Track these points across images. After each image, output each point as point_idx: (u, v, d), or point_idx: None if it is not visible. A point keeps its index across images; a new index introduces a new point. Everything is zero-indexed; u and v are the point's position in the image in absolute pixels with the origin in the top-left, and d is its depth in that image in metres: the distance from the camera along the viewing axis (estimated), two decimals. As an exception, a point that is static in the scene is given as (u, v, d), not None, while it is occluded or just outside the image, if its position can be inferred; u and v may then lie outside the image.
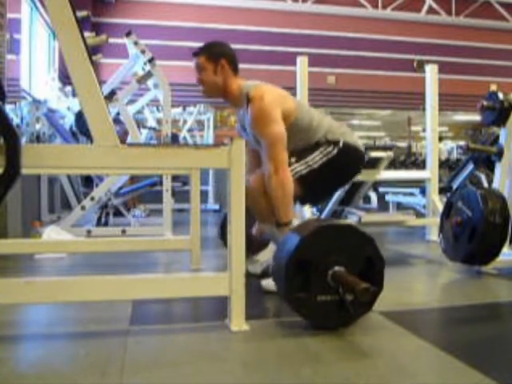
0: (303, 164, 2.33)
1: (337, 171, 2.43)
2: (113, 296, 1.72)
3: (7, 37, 4.15)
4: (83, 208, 4.03)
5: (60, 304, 2.01)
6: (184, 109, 8.05)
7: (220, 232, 3.31)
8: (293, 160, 2.32)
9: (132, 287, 1.71)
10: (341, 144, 2.38)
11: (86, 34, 4.80)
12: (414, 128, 13.39)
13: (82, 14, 7.86)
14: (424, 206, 4.37)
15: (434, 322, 2.01)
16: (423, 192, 4.37)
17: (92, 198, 4.09)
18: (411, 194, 5.18)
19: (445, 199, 3.43)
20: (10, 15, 4.36)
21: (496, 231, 2.50)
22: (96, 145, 1.65)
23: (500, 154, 3.09)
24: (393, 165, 8.33)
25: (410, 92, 10.05)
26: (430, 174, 4.13)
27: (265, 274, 2.52)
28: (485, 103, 3.11)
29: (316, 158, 2.34)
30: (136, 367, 1.41)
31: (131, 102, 5.28)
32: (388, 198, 5.65)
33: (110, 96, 4.15)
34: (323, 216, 4.36)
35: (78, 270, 2.96)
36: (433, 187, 4.10)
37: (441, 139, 10.31)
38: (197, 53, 2.36)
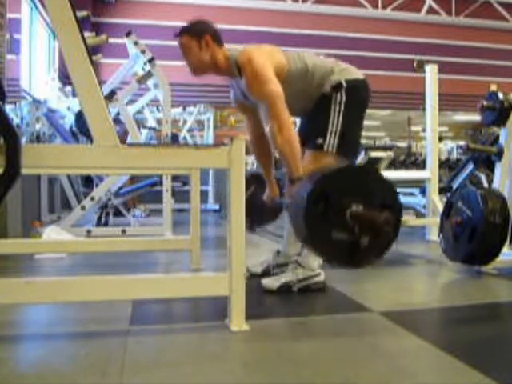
0: (330, 135, 2.31)
1: (355, 110, 2.40)
2: (113, 296, 1.72)
3: (7, 37, 4.15)
4: (83, 208, 4.03)
5: (60, 304, 2.01)
6: (184, 109, 8.05)
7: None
8: (320, 141, 2.31)
9: (132, 287, 1.71)
10: (344, 84, 2.34)
11: (86, 34, 4.81)
12: (413, 128, 13.39)
13: (81, 13, 7.86)
14: (424, 206, 4.37)
15: (434, 322, 2.01)
16: (423, 192, 4.37)
17: (92, 198, 4.09)
18: (411, 194, 5.18)
19: (445, 199, 3.43)
20: (10, 15, 4.36)
21: (496, 231, 2.50)
22: (96, 145, 1.65)
23: (500, 154, 3.09)
24: (393, 165, 8.33)
25: (410, 92, 10.05)
26: (430, 174, 4.13)
27: (265, 274, 2.53)
28: (485, 103, 3.11)
29: (335, 121, 2.31)
30: (136, 367, 1.41)
31: (131, 101, 5.28)
32: (388, 197, 5.64)
33: (110, 96, 4.15)
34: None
35: (78, 269, 2.96)
36: (433, 187, 4.10)
37: (441, 139, 10.32)
38: (179, 33, 2.33)
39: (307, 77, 2.34)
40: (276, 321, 1.96)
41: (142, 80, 4.29)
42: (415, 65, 10.93)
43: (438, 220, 3.07)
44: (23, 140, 4.42)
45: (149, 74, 4.24)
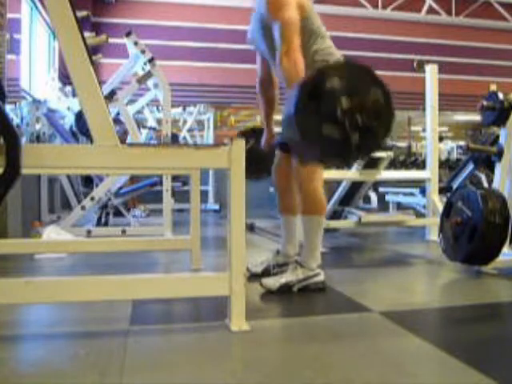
0: None
1: None
2: (113, 296, 1.72)
3: (7, 37, 4.15)
4: (83, 208, 4.03)
5: (60, 304, 2.01)
6: (184, 109, 8.05)
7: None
8: None
9: (132, 287, 1.71)
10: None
11: (86, 34, 4.80)
12: (413, 128, 13.39)
13: (81, 14, 7.86)
14: (424, 206, 4.37)
15: (434, 322, 2.01)
16: (423, 192, 4.37)
17: (92, 198, 4.09)
18: (411, 194, 5.18)
19: (445, 199, 3.43)
20: (10, 15, 4.35)
21: (496, 231, 2.51)
22: (96, 145, 1.65)
23: (500, 154, 3.09)
24: (393, 165, 8.33)
25: (410, 92, 10.04)
26: (430, 174, 4.13)
27: (265, 274, 2.53)
28: (485, 103, 3.11)
29: None
30: (136, 367, 1.41)
31: (131, 101, 5.28)
32: (388, 197, 5.65)
33: (110, 96, 4.15)
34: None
35: (78, 270, 2.96)
36: (433, 187, 4.10)
37: (441, 139, 10.31)
38: None
39: (309, 42, 2.34)
40: (276, 321, 1.96)
41: (142, 80, 4.29)
42: (415, 65, 10.92)
43: (438, 220, 3.07)
44: (23, 140, 4.42)
45: (149, 74, 4.24)
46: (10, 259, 3.03)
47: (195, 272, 2.71)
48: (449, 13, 11.37)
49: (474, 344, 1.65)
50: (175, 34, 9.81)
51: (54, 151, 1.67)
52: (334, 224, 4.09)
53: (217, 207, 7.44)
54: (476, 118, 10.60)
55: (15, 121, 4.71)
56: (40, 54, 7.28)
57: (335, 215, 4.44)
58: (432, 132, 4.19)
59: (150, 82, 4.67)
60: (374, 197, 7.46)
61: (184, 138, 8.12)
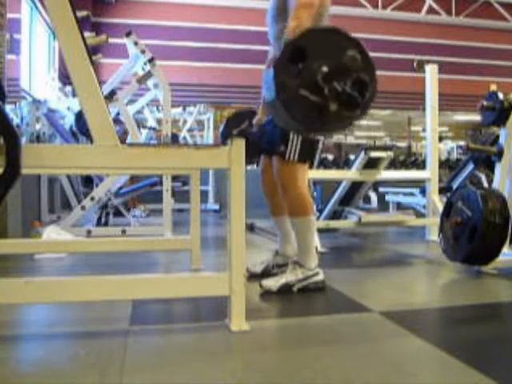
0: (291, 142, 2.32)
1: None
2: (113, 296, 1.72)
3: (7, 37, 4.15)
4: (83, 208, 4.03)
5: (60, 304, 2.01)
6: (184, 109, 8.05)
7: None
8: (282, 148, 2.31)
9: (132, 287, 1.71)
10: None
11: (86, 34, 4.81)
12: (413, 128, 13.40)
13: (82, 14, 7.86)
14: (424, 206, 4.37)
15: (434, 322, 2.01)
16: (423, 192, 4.37)
17: (92, 198, 4.09)
18: (411, 194, 5.18)
19: (445, 199, 3.44)
20: (10, 15, 4.36)
21: (496, 231, 2.51)
22: (96, 145, 1.65)
23: (500, 154, 3.09)
24: (393, 165, 8.34)
25: (410, 92, 10.05)
26: (430, 174, 4.13)
27: (265, 274, 2.53)
28: (485, 103, 3.11)
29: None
30: (136, 367, 1.41)
31: (131, 101, 5.28)
32: (388, 198, 5.65)
33: (110, 96, 4.15)
34: (323, 216, 4.37)
35: (78, 269, 2.96)
36: (433, 187, 4.10)
37: (441, 139, 10.32)
38: None
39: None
40: (276, 321, 1.96)
41: (142, 80, 4.29)
42: (415, 65, 10.92)
43: (438, 220, 3.07)
44: (23, 140, 4.42)
45: (149, 74, 4.25)
46: (10, 259, 3.03)
47: (195, 272, 2.71)
48: (449, 13, 11.38)
49: (474, 344, 1.65)
50: (175, 33, 9.82)
51: (54, 151, 1.67)
52: (334, 224, 4.09)
53: (217, 207, 7.44)
54: (476, 118, 10.62)
55: (15, 121, 4.71)
56: (40, 54, 7.28)
57: (335, 215, 4.44)
58: (432, 132, 4.19)
59: (150, 82, 4.67)
60: (374, 197, 7.46)
61: (184, 137, 8.13)
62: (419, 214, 4.52)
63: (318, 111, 1.64)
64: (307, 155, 2.36)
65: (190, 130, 8.36)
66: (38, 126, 5.00)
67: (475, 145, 3.95)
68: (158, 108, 7.10)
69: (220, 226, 5.48)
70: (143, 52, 4.17)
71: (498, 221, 2.49)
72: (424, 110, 4.32)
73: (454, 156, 11.73)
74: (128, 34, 4.18)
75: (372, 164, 3.88)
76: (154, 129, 6.63)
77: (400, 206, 5.69)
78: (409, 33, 11.10)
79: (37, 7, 7.00)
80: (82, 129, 4.29)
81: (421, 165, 8.79)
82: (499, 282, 2.61)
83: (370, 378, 1.35)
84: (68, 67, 1.62)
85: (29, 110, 4.93)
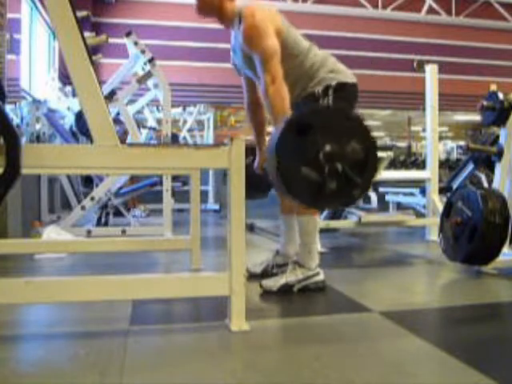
0: None
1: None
2: (113, 296, 1.72)
3: (7, 37, 4.15)
4: (83, 208, 4.03)
5: (60, 304, 2.01)
6: (184, 109, 8.05)
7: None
8: None
9: (132, 287, 1.71)
10: (333, 86, 2.35)
11: (86, 34, 4.80)
12: (413, 128, 13.40)
13: (82, 13, 7.85)
14: (424, 206, 4.37)
15: (434, 322, 2.01)
16: (423, 192, 4.37)
17: (92, 198, 4.09)
18: (411, 194, 5.18)
19: (445, 199, 3.44)
20: (10, 15, 4.35)
21: (496, 231, 2.50)
22: (96, 145, 1.65)
23: (500, 154, 3.09)
24: (393, 165, 8.34)
25: (410, 92, 10.04)
26: (430, 174, 4.13)
27: (265, 274, 2.53)
28: (485, 103, 3.11)
29: None
30: (136, 367, 1.41)
31: (131, 101, 5.28)
32: (388, 197, 5.65)
33: (110, 96, 4.15)
34: (323, 216, 4.36)
35: (78, 270, 2.96)
36: (433, 187, 4.10)
37: (440, 139, 10.31)
38: None
39: (298, 58, 2.35)
40: (276, 321, 1.96)
41: (142, 80, 4.29)
42: (415, 65, 10.92)
43: (438, 220, 3.07)
44: (23, 140, 4.42)
45: (149, 74, 4.24)
46: (10, 259, 3.03)
47: (195, 272, 2.71)
48: (449, 13, 11.37)
49: (474, 344, 1.65)
50: (175, 33, 9.81)
51: (54, 151, 1.67)
52: (334, 224, 4.09)
53: (217, 207, 7.44)
54: (476, 117, 10.62)
55: (15, 121, 4.70)
56: (40, 54, 7.28)
57: (335, 215, 4.44)
58: (432, 132, 4.19)
59: (150, 82, 4.67)
60: (374, 197, 7.45)
61: (184, 138, 8.12)
62: (419, 214, 4.52)
63: (316, 189, 1.65)
64: None
65: (189, 130, 8.36)
66: (38, 126, 5.00)
67: (475, 145, 3.95)
68: (157, 108, 7.09)
69: (220, 225, 5.48)
70: (143, 52, 4.17)
71: (498, 221, 2.49)
72: (424, 110, 4.31)
73: (454, 156, 11.74)
74: (128, 34, 4.17)
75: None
76: (154, 129, 6.63)
77: (400, 206, 5.69)
78: (409, 33, 11.09)
79: (37, 7, 7.00)
80: (82, 129, 4.29)
81: (421, 165, 8.79)
82: (499, 282, 2.61)
83: (369, 378, 1.35)
84: (68, 67, 1.62)
85: (29, 110, 4.93)
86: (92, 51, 3.44)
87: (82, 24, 1.77)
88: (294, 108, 2.25)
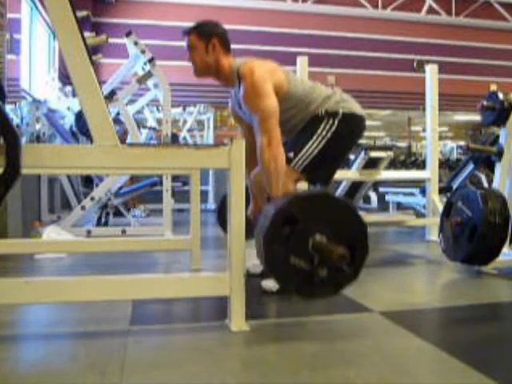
0: (302, 155, 2.31)
1: (340, 143, 2.38)
2: (113, 296, 1.72)
3: (7, 37, 4.14)
4: (83, 208, 4.03)
5: (60, 304, 2.01)
6: (184, 109, 8.05)
7: (219, 215, 3.28)
8: (291, 155, 2.31)
9: (132, 287, 1.71)
10: (340, 115, 2.34)
11: (86, 34, 4.80)
12: (413, 128, 13.39)
13: (82, 13, 7.85)
14: (424, 206, 4.37)
15: (434, 322, 2.01)
16: (423, 192, 4.37)
17: (92, 198, 4.09)
18: (411, 194, 5.18)
19: (445, 199, 3.43)
20: (10, 15, 4.35)
21: (496, 231, 2.50)
22: (96, 145, 1.65)
23: (500, 154, 3.09)
24: (393, 165, 8.34)
25: (410, 92, 10.04)
26: (430, 174, 4.13)
27: (265, 274, 2.52)
28: (485, 103, 3.11)
29: (314, 144, 2.31)
30: (136, 367, 1.41)
31: (131, 101, 5.28)
32: (388, 198, 5.65)
33: (110, 96, 4.14)
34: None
35: (78, 270, 2.96)
36: (433, 187, 4.10)
37: (439, 139, 10.30)
38: (187, 31, 2.34)
39: (304, 102, 2.35)
40: (276, 321, 1.96)
41: (142, 80, 4.29)
42: (415, 65, 10.92)
43: (438, 220, 3.07)
44: (23, 140, 4.42)
45: (149, 74, 4.24)
46: (10, 259, 3.03)
47: (195, 272, 2.71)
48: (449, 13, 11.37)
49: (474, 344, 1.65)
50: (175, 34, 9.78)
51: (54, 151, 1.67)
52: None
53: (217, 207, 7.43)
54: (476, 117, 10.61)
55: (15, 121, 4.70)
56: (40, 54, 7.28)
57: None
58: (432, 132, 4.19)
59: (150, 82, 4.67)
60: (374, 197, 7.46)
61: (184, 138, 8.12)
62: (419, 214, 4.52)
63: (305, 278, 1.64)
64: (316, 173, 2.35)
65: (189, 130, 8.36)
66: (37, 126, 5.00)
67: (475, 145, 3.95)
68: (158, 108, 7.09)
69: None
70: (143, 52, 4.17)
71: (498, 221, 2.49)
72: (424, 110, 4.31)
73: (454, 156, 11.73)
74: (128, 34, 4.17)
75: (372, 164, 3.88)
76: (154, 129, 6.63)
77: (400, 206, 5.69)
78: (409, 33, 11.08)
79: (37, 7, 7.00)
80: (82, 129, 4.29)
81: (421, 165, 8.78)
82: (499, 282, 2.61)
83: (369, 377, 1.35)
84: (68, 67, 1.62)
85: (29, 110, 4.93)
86: (92, 51, 3.43)
87: (81, 24, 1.77)
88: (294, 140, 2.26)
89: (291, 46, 9.91)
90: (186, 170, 3.06)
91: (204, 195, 6.85)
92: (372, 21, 10.98)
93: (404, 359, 1.51)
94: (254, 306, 1.90)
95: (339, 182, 4.27)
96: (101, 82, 2.39)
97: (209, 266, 2.88)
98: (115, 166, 2.32)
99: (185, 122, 8.31)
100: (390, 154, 3.89)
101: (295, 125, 2.38)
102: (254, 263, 2.66)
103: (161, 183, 4.36)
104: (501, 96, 3.05)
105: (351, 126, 2.41)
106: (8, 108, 4.53)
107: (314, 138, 2.32)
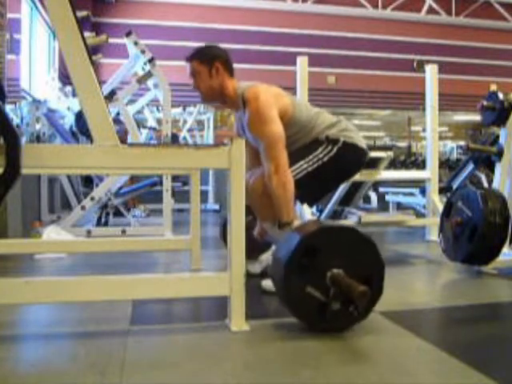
0: (296, 169, 2.31)
1: (335, 171, 2.41)
2: (113, 296, 1.72)
3: (7, 37, 4.14)
4: (83, 208, 4.03)
5: (60, 304, 2.01)
6: (184, 109, 8.04)
7: (222, 232, 3.30)
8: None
9: (132, 287, 1.71)
10: (340, 143, 2.36)
11: (86, 34, 4.80)
12: (413, 128, 13.39)
13: (82, 13, 7.85)
14: (424, 206, 4.37)
15: (434, 322, 2.01)
16: (423, 192, 4.37)
17: (92, 198, 4.09)
18: (411, 194, 5.18)
19: (445, 199, 3.43)
20: (10, 15, 4.36)
21: (496, 231, 2.50)
22: (96, 145, 1.65)
23: (500, 154, 3.09)
24: (393, 165, 8.34)
25: (410, 92, 10.05)
26: (430, 174, 4.13)
27: (264, 274, 2.52)
28: (485, 103, 3.11)
29: (310, 162, 2.33)
30: (136, 367, 1.41)
31: (131, 101, 5.28)
32: (388, 198, 5.65)
33: (110, 96, 4.14)
34: (323, 216, 4.36)
35: (78, 269, 2.96)
36: (433, 187, 4.10)
37: (439, 139, 10.30)
38: (189, 58, 2.32)
39: (307, 127, 2.36)
40: (276, 321, 1.96)
41: (142, 80, 4.29)
42: (415, 65, 10.93)
43: (438, 220, 3.07)
44: (23, 140, 4.42)
45: (149, 74, 4.24)
46: (10, 259, 3.03)
47: (195, 272, 2.71)
48: (449, 13, 11.37)
49: (474, 344, 1.65)
50: (175, 33, 9.81)
51: (54, 151, 1.67)
52: (334, 224, 4.08)
53: (217, 207, 7.44)
54: (476, 117, 10.61)
55: (15, 121, 4.70)
56: (40, 54, 7.28)
57: (335, 215, 4.44)
58: (432, 132, 4.19)
59: (150, 82, 4.67)
60: (374, 197, 7.46)
61: (184, 138, 8.12)
62: (419, 214, 4.52)
63: (319, 308, 1.67)
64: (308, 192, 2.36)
65: (189, 130, 8.36)
66: (37, 126, 5.00)
67: (475, 145, 3.95)
68: (158, 108, 7.09)
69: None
70: (143, 52, 4.17)
71: (498, 221, 2.49)
72: (424, 110, 4.31)
73: (454, 156, 11.74)
74: (128, 34, 4.17)
75: (372, 164, 3.88)
76: (154, 129, 6.63)
77: (400, 206, 5.69)
78: (409, 33, 11.09)
79: (37, 7, 7.00)
80: (82, 129, 4.29)
81: (421, 165, 8.78)
82: (499, 282, 2.61)
83: (369, 377, 1.35)
84: (68, 67, 1.62)
85: (29, 110, 4.93)
86: (92, 51, 3.43)
87: (82, 24, 1.77)
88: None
89: (291, 46, 9.91)
90: (185, 170, 3.06)
91: (204, 195, 6.85)
92: (372, 21, 10.99)
93: (404, 359, 1.51)
94: (253, 305, 1.90)
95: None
96: (101, 82, 2.39)
97: (209, 266, 2.88)
98: (115, 166, 2.32)
99: (185, 122, 8.31)
100: (390, 154, 3.89)
101: (297, 148, 2.39)
102: (254, 263, 2.66)
103: (161, 183, 4.36)
104: (501, 96, 3.05)
105: (350, 157, 2.41)
106: (8, 108, 4.53)
107: (310, 157, 2.33)
